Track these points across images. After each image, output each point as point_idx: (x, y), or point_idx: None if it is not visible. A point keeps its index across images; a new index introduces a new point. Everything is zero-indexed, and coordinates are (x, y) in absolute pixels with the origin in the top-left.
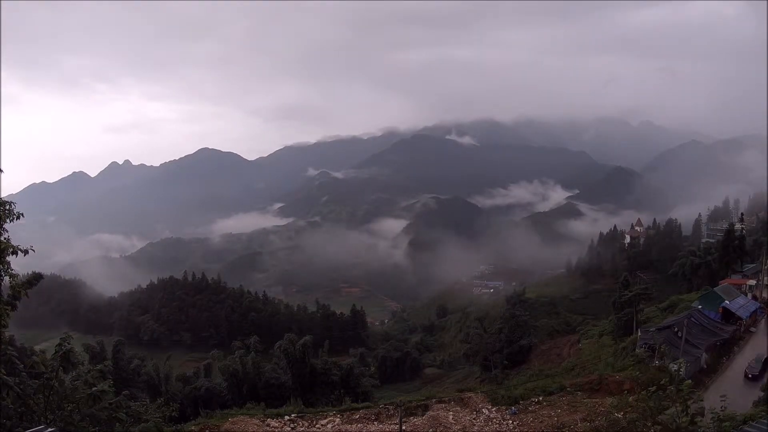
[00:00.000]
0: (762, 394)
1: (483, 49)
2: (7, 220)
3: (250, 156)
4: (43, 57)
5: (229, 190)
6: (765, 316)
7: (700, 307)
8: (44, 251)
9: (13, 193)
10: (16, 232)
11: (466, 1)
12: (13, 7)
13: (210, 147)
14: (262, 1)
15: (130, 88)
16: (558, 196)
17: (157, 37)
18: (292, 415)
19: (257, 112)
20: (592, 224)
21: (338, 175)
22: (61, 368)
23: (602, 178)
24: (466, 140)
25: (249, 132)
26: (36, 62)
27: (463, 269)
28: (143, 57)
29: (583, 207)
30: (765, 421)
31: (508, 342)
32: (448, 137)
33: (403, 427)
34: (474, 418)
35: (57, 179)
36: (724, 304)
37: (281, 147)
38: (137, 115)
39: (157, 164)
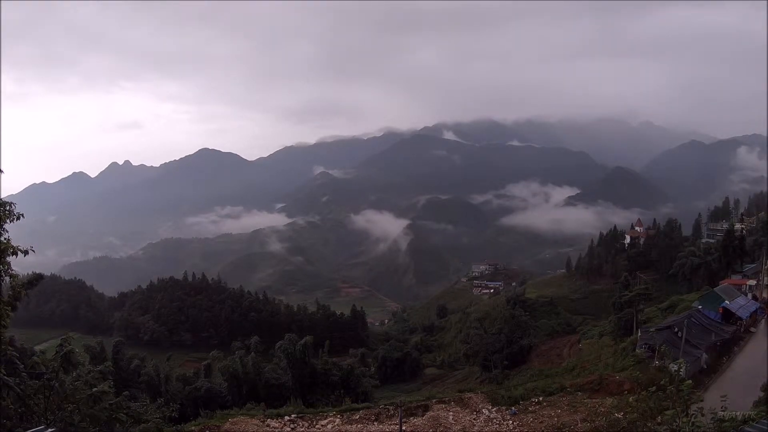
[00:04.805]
0: (762, 394)
1: (486, 50)
2: (8, 221)
3: (251, 156)
4: (63, 56)
5: (229, 191)
6: (765, 317)
7: (700, 307)
8: (44, 251)
9: (13, 193)
10: (16, 232)
11: (471, 2)
12: (28, 6)
13: (210, 147)
14: (287, 1)
15: (142, 86)
16: (558, 196)
17: (177, 36)
18: (292, 416)
19: (264, 112)
20: (592, 224)
21: (338, 175)
22: (61, 369)
23: (602, 178)
24: (466, 140)
25: (251, 132)
26: (53, 61)
27: (463, 269)
28: (159, 56)
29: (583, 207)
30: (765, 421)
31: (508, 342)
32: (448, 137)
33: (403, 428)
34: (474, 419)
35: (57, 179)
36: (724, 305)
37: (281, 147)
38: (145, 115)
39: (157, 164)
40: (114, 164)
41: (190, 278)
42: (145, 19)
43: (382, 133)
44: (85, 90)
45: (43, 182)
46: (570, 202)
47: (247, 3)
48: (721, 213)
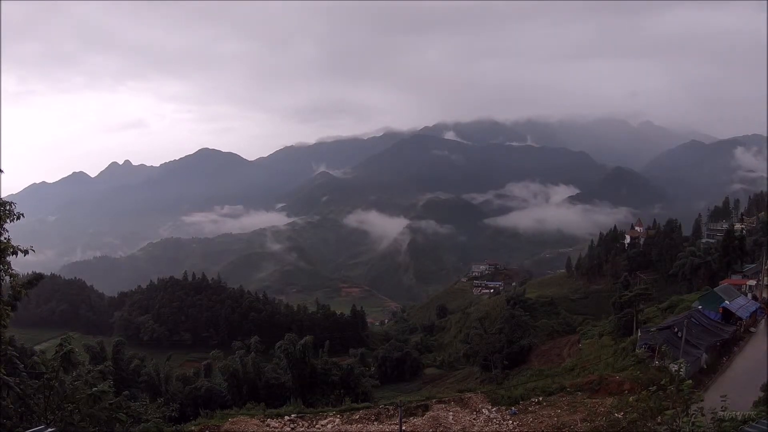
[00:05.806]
0: (762, 394)
1: (487, 50)
2: (8, 220)
3: (251, 156)
4: (67, 55)
5: (230, 190)
6: (765, 316)
7: (700, 307)
8: (44, 251)
9: (13, 193)
10: (16, 232)
11: (473, 2)
12: (33, 4)
13: (210, 147)
14: (290, 1)
15: (145, 86)
16: (558, 196)
17: (180, 36)
18: (292, 416)
19: (266, 112)
20: (592, 224)
21: (338, 175)
22: (61, 369)
23: (602, 178)
24: (467, 140)
25: (252, 132)
26: (57, 60)
27: (463, 269)
28: (162, 56)
29: (583, 207)
30: (765, 421)
31: (508, 342)
32: (448, 137)
33: (403, 428)
34: (474, 419)
35: (57, 179)
36: (724, 305)
37: (281, 147)
38: (147, 114)
39: (157, 164)
40: (114, 164)
41: (190, 278)
42: (148, 19)
43: (382, 133)
44: (87, 89)
45: (43, 182)
46: (570, 202)
47: (250, 3)
48: (721, 213)
